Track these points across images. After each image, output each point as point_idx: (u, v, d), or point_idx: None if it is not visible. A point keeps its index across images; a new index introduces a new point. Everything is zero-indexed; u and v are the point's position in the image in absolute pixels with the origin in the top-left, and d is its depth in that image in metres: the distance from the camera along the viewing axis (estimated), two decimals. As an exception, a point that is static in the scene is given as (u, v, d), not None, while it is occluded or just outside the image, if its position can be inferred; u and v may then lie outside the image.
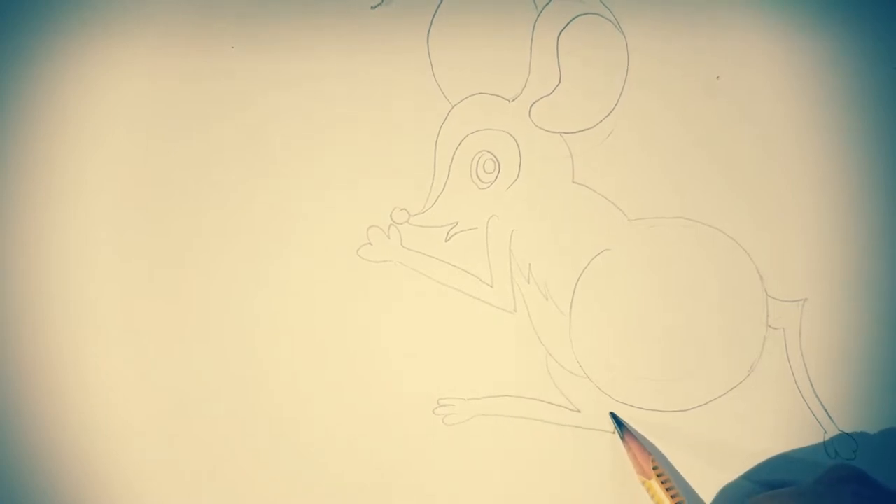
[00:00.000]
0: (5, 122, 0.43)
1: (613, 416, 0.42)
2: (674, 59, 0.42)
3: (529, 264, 0.43)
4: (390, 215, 0.43)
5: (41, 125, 0.43)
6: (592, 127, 0.43)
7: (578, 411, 0.43)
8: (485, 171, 0.43)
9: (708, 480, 0.43)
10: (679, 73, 0.42)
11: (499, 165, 0.43)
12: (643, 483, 0.41)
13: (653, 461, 0.40)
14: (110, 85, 0.43)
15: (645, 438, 0.42)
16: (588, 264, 0.43)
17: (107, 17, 0.43)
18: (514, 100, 0.43)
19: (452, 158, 0.43)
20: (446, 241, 0.43)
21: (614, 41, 0.42)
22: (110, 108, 0.43)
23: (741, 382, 0.42)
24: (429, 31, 0.43)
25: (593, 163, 0.43)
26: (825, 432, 0.42)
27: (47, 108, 0.43)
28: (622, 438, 0.41)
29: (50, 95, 0.43)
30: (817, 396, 0.42)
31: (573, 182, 0.43)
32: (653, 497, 0.40)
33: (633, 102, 0.42)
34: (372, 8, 0.43)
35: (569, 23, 0.42)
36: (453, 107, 0.43)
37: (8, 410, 0.44)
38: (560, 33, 0.42)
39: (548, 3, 0.42)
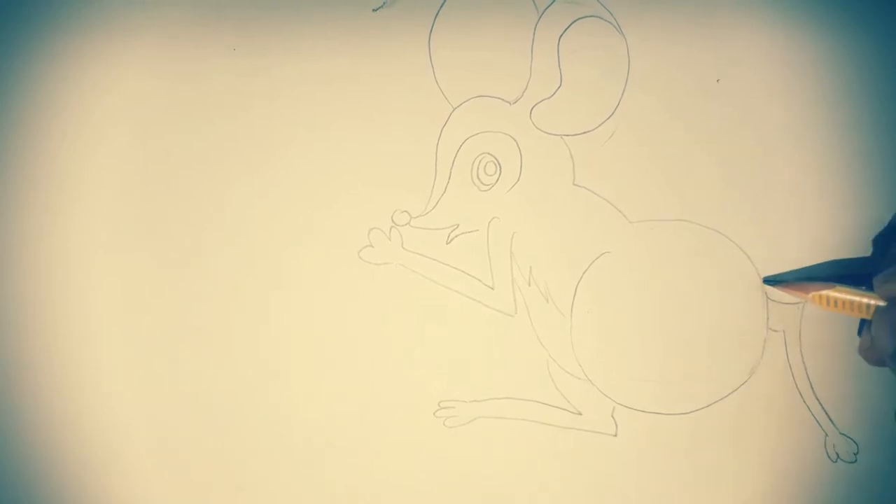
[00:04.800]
0: (5, 122, 0.43)
1: (767, 280, 0.41)
2: (675, 62, 0.42)
3: (530, 267, 0.43)
4: (391, 217, 0.43)
5: (41, 125, 0.43)
6: (593, 129, 0.43)
7: (580, 413, 0.43)
8: (486, 173, 0.43)
9: (709, 482, 0.43)
10: (680, 75, 0.42)
11: (500, 168, 0.43)
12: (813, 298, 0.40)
13: (814, 290, 0.40)
14: (110, 85, 0.43)
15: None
16: (589, 267, 0.43)
17: (108, 17, 0.43)
18: (515, 102, 0.43)
19: (453, 161, 0.43)
20: (447, 243, 0.43)
21: (615, 44, 0.42)
22: (110, 108, 0.43)
23: (742, 385, 0.43)
24: (430, 33, 0.43)
25: (594, 165, 0.43)
26: (826, 434, 0.42)
27: (48, 108, 0.43)
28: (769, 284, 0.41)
29: (50, 95, 0.43)
30: (818, 398, 0.42)
31: (574, 184, 0.43)
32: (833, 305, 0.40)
33: (634, 105, 0.42)
34: (373, 10, 0.43)
35: (570, 25, 0.42)
36: (454, 109, 0.43)
37: (8, 410, 0.44)
38: (561, 36, 0.42)
39: (549, 6, 0.42)
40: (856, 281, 0.40)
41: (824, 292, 0.40)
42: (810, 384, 0.42)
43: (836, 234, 0.42)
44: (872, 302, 0.38)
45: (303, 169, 0.43)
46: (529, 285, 0.43)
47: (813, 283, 0.40)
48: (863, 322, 0.41)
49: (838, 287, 0.39)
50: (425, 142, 0.43)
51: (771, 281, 0.42)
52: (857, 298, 0.39)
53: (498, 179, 0.43)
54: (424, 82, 0.43)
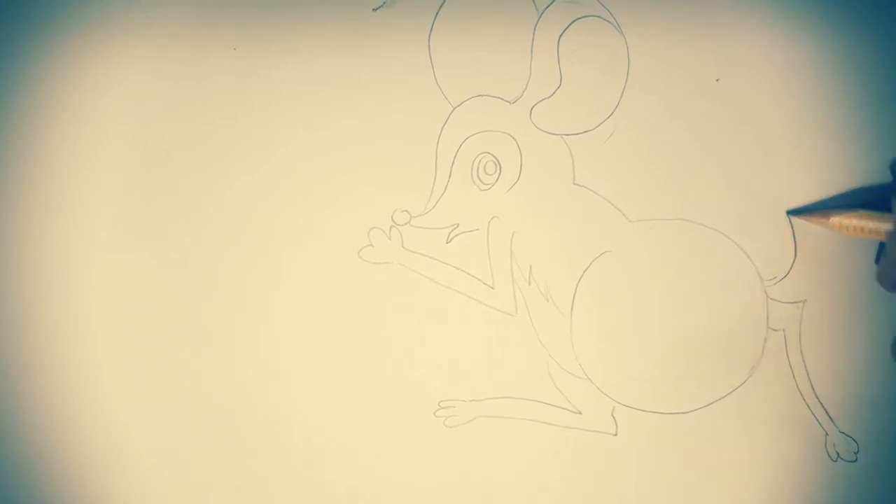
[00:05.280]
0: (5, 122, 0.43)
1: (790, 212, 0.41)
2: (675, 62, 0.42)
3: (530, 266, 0.43)
4: (391, 217, 0.43)
5: (41, 125, 0.43)
6: (593, 129, 0.43)
7: (579, 413, 0.43)
8: (486, 172, 0.43)
9: (709, 483, 0.43)
10: (680, 75, 0.42)
11: (500, 167, 0.43)
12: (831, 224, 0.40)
13: (832, 215, 0.40)
14: (110, 85, 0.43)
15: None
16: (589, 266, 0.43)
17: (108, 17, 0.43)
18: (514, 102, 0.43)
19: (453, 160, 0.43)
20: (447, 242, 0.43)
21: (615, 43, 0.42)
22: (110, 108, 0.43)
23: (742, 384, 0.43)
24: (430, 33, 0.43)
25: (594, 164, 0.43)
26: (826, 433, 0.42)
27: (48, 108, 0.43)
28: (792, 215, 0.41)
29: (50, 95, 0.43)
30: (818, 397, 0.42)
31: (574, 184, 0.43)
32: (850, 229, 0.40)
33: (634, 104, 0.42)
34: (373, 10, 0.43)
35: (569, 25, 0.42)
36: (454, 109, 0.43)
37: (8, 410, 0.44)
38: (561, 35, 0.42)
39: (548, 6, 0.42)
40: (877, 207, 0.40)
41: (844, 219, 0.39)
42: (810, 383, 0.42)
43: (836, 234, 0.42)
44: (891, 226, 0.38)
45: (303, 169, 0.43)
46: (529, 285, 0.43)
47: (834, 210, 0.40)
48: (881, 248, 0.41)
49: (859, 212, 0.39)
50: (425, 141, 0.43)
51: (794, 212, 0.41)
52: (876, 223, 0.39)
53: (498, 179, 0.43)
54: (424, 82, 0.43)
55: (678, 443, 0.43)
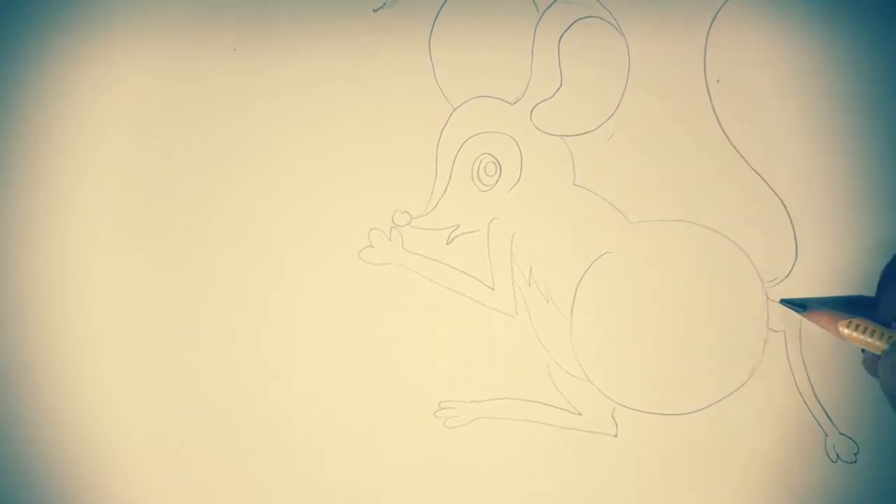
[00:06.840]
0: (5, 122, 0.43)
1: (785, 301, 0.41)
2: (675, 62, 0.42)
3: (530, 267, 0.43)
4: (392, 218, 0.43)
5: (42, 125, 0.43)
6: (594, 130, 0.43)
7: (580, 414, 0.43)
8: (486, 173, 0.43)
9: (709, 483, 0.43)
10: (680, 75, 0.42)
11: (500, 168, 0.43)
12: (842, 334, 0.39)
13: (841, 321, 0.39)
14: (110, 85, 0.43)
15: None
16: (589, 267, 0.43)
17: (108, 17, 0.43)
18: (515, 103, 0.43)
19: (454, 161, 0.43)
20: (448, 243, 0.43)
21: (615, 44, 0.42)
22: (110, 108, 0.43)
23: (742, 385, 0.42)
24: (430, 33, 0.43)
25: (594, 165, 0.43)
26: (826, 435, 0.42)
27: (48, 108, 0.43)
28: (802, 313, 0.40)
29: (51, 95, 0.43)
30: (818, 399, 0.42)
31: (574, 185, 0.43)
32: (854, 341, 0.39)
33: (634, 105, 0.42)
34: (374, 11, 0.43)
35: (570, 26, 0.42)
36: (455, 109, 0.43)
37: (8, 410, 0.44)
38: (561, 36, 0.42)
39: (549, 7, 0.42)
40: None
41: (849, 330, 0.39)
42: (810, 384, 0.42)
43: (836, 234, 0.42)
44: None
45: (303, 169, 0.43)
46: (530, 286, 0.43)
47: (841, 314, 0.39)
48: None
49: (862, 321, 0.39)
50: (425, 142, 0.43)
51: (794, 305, 0.41)
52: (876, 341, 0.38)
53: (498, 180, 0.43)
54: (424, 82, 0.43)
55: (678, 444, 0.43)
